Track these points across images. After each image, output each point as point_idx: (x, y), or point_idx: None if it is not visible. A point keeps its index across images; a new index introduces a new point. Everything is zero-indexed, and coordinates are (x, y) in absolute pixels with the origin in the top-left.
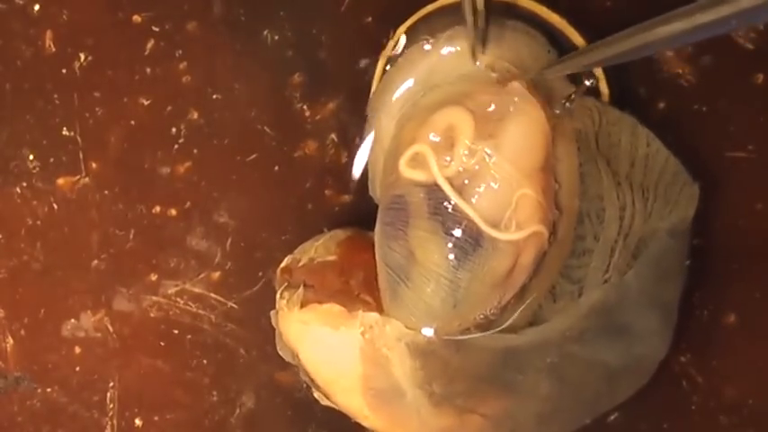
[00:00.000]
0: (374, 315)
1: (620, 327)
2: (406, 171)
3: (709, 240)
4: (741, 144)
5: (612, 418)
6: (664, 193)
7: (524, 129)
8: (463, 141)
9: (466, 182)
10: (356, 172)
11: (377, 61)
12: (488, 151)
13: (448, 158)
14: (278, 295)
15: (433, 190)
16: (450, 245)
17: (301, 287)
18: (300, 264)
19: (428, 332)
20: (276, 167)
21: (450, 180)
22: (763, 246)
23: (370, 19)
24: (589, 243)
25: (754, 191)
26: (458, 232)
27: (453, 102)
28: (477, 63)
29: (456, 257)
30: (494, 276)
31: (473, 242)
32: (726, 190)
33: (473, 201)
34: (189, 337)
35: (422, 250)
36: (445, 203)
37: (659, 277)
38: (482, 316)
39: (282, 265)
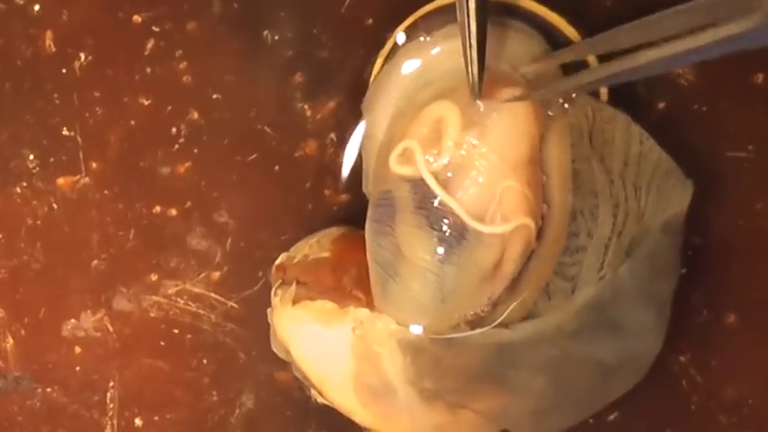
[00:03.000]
0: (365, 311)
1: (614, 323)
2: (396, 167)
3: (709, 240)
4: (741, 144)
5: (612, 417)
6: (657, 191)
7: (509, 120)
8: (450, 133)
9: (451, 175)
10: (345, 169)
11: (379, 54)
12: (474, 142)
13: (435, 152)
14: (272, 292)
15: (418, 184)
16: (435, 239)
17: (294, 284)
18: (295, 261)
19: (417, 329)
20: (276, 167)
21: (436, 173)
22: (763, 246)
23: (370, 20)
24: (582, 240)
25: (754, 191)
26: (442, 226)
27: (442, 96)
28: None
29: (442, 251)
30: (480, 270)
31: (458, 236)
32: (726, 190)
33: (458, 194)
34: (189, 337)
35: (408, 245)
36: (430, 198)
37: (653, 273)
38: (473, 313)
39: (277, 262)
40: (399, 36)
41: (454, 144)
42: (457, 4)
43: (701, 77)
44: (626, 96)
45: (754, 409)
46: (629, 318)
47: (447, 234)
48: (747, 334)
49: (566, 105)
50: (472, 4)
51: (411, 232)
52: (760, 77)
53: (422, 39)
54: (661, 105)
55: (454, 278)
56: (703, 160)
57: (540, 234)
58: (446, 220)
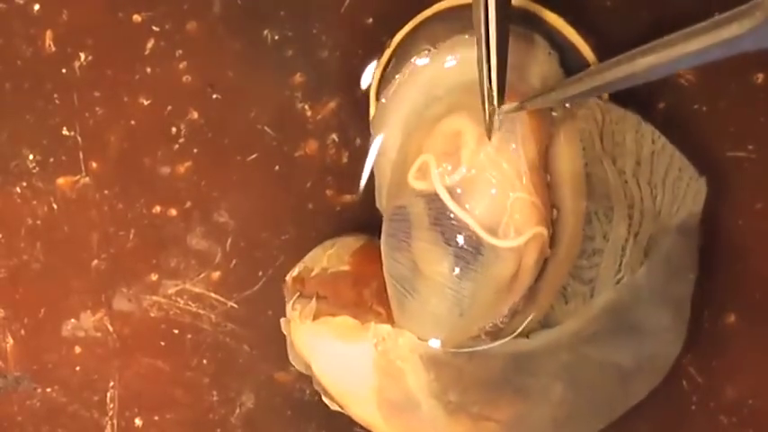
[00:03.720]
0: (386, 327)
1: (632, 326)
2: (414, 182)
3: (709, 240)
4: (741, 144)
5: None
6: (672, 190)
7: (516, 128)
8: (467, 145)
9: (460, 190)
10: (362, 182)
11: (377, 61)
12: (489, 153)
13: (449, 166)
14: (290, 305)
15: (433, 199)
16: (451, 255)
17: (314, 299)
18: (313, 274)
19: (435, 344)
20: (276, 167)
21: (452, 188)
22: (764, 246)
23: (370, 20)
24: (598, 243)
25: (755, 191)
26: (458, 242)
27: (456, 109)
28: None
29: (458, 267)
30: (498, 283)
31: (474, 251)
32: (726, 190)
33: (470, 208)
34: (189, 337)
35: (425, 261)
36: (445, 213)
37: (670, 274)
38: (491, 324)
39: (294, 274)
40: (396, 44)
41: (471, 155)
42: (473, 12)
43: (701, 77)
44: (626, 96)
45: (755, 409)
46: (647, 319)
47: (463, 250)
48: (747, 334)
49: (567, 106)
50: (492, 12)
51: (427, 248)
52: (760, 77)
53: (426, 52)
54: (661, 105)
55: (472, 293)
56: (703, 160)
57: (554, 239)
58: (461, 236)
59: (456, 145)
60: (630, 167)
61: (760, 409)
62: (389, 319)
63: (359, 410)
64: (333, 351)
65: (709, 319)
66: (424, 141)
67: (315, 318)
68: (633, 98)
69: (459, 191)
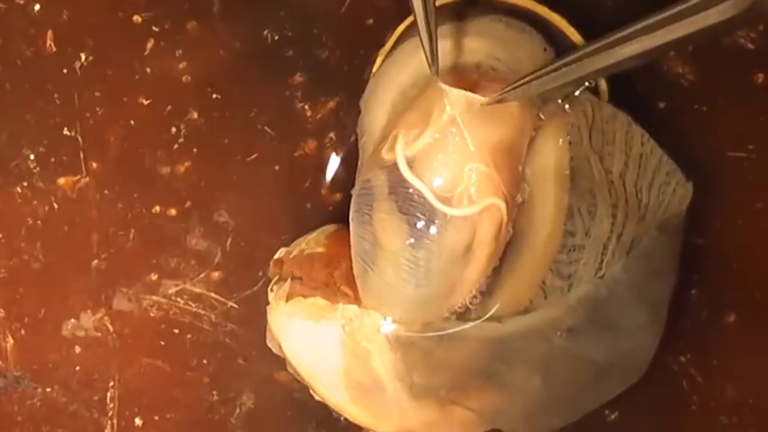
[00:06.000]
0: (354, 308)
1: (608, 322)
2: (385, 155)
3: (709, 240)
4: (741, 144)
5: (613, 417)
6: (657, 194)
7: (491, 105)
8: (436, 114)
9: (419, 160)
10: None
11: (380, 51)
12: (454, 123)
13: (415, 134)
14: (269, 288)
15: (392, 170)
16: (405, 224)
17: (289, 280)
18: (291, 256)
19: (391, 324)
20: (276, 167)
21: (411, 157)
22: (764, 246)
23: (370, 20)
24: (579, 239)
25: (754, 191)
26: (412, 210)
27: (433, 84)
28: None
29: (412, 236)
30: (452, 253)
31: (427, 220)
32: (726, 190)
33: (428, 178)
34: (189, 336)
35: (383, 233)
36: (402, 182)
37: (649, 273)
38: (461, 304)
39: (275, 257)
40: (398, 35)
41: (438, 121)
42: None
43: (701, 77)
44: (626, 96)
45: (755, 409)
46: (623, 317)
47: (417, 218)
48: (747, 334)
49: (566, 106)
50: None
51: (385, 219)
52: (760, 77)
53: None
54: (661, 105)
55: (426, 263)
56: (703, 160)
57: (531, 230)
58: (415, 205)
59: (427, 114)
60: (618, 168)
61: (760, 409)
62: (357, 301)
63: (327, 392)
64: (302, 331)
65: (709, 319)
66: (402, 117)
67: (288, 298)
68: (633, 98)
69: (417, 160)
